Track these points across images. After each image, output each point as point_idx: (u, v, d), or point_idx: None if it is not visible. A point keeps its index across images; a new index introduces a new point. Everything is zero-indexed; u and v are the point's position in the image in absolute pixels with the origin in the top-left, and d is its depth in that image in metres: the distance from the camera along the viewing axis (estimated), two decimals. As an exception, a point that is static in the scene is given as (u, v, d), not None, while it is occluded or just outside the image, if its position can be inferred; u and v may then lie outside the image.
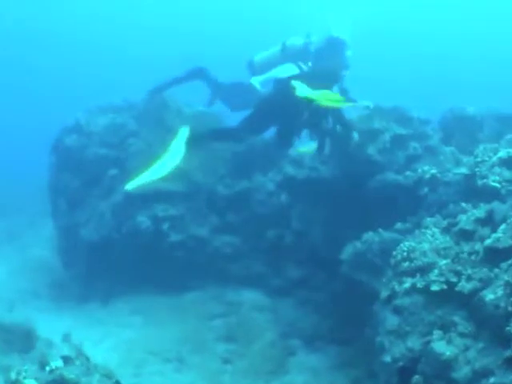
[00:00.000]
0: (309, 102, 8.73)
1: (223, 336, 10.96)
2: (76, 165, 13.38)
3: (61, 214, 13.77)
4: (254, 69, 9.86)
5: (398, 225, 9.88)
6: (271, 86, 9.56)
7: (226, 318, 11.50)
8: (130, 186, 8.65)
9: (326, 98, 8.71)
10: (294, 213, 12.09)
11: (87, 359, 7.40)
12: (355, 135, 10.32)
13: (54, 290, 13.38)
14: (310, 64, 9.60)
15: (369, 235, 9.90)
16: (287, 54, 9.67)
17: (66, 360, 6.80)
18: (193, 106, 13.78)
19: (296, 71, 9.46)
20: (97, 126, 13.54)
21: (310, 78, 9.26)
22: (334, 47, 9.72)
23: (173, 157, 8.77)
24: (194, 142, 9.07)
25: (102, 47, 43.97)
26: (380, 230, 9.82)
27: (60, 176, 13.70)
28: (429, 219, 9.02)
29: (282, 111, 9.32)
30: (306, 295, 11.78)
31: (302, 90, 8.68)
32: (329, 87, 9.31)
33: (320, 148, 9.95)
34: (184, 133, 9.03)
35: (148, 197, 12.22)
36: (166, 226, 12.22)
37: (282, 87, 9.25)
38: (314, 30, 9.96)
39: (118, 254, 12.36)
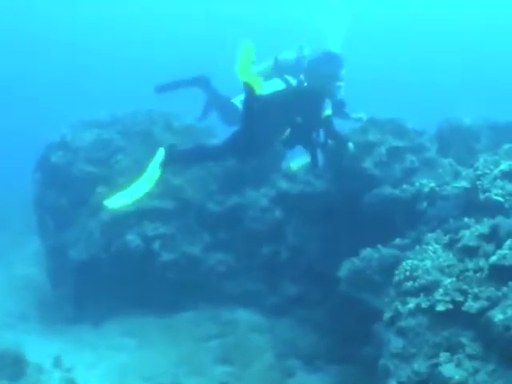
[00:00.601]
0: (249, 88, 8.44)
1: (220, 358, 10.64)
2: (62, 182, 13.10)
3: (48, 232, 13.50)
4: None
5: (397, 240, 9.65)
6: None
7: (222, 338, 11.19)
8: (109, 203, 8.62)
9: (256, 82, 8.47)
10: (289, 228, 11.91)
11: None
12: (350, 146, 10.03)
13: (43, 311, 13.04)
14: (301, 77, 9.30)
15: (367, 252, 9.64)
16: (279, 69, 9.41)
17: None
18: (182, 118, 13.47)
19: (282, 86, 9.17)
20: (83, 141, 13.28)
21: (297, 93, 9.14)
22: (330, 62, 9.43)
23: (147, 180, 8.70)
24: (171, 163, 8.96)
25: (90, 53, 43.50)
26: (379, 246, 9.55)
27: (46, 193, 13.43)
28: (429, 235, 8.80)
29: (260, 128, 9.00)
30: (303, 313, 11.53)
31: (242, 72, 8.36)
32: (319, 101, 9.23)
33: (313, 162, 9.63)
34: (160, 154, 8.85)
35: (137, 215, 11.91)
36: (156, 245, 11.93)
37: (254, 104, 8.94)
38: (307, 41, 9.69)
39: (108, 274, 12.02)
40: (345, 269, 9.88)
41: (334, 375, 10.20)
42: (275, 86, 9.18)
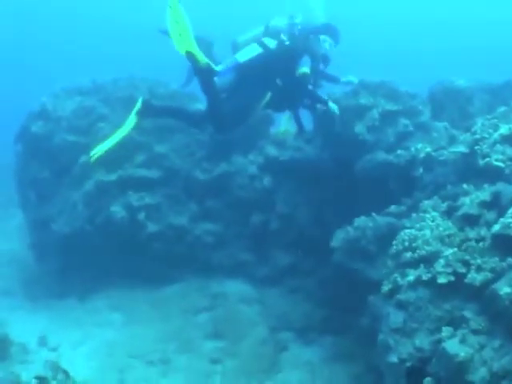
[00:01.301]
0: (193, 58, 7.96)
1: (210, 333, 10.37)
2: (44, 153, 12.67)
3: (31, 206, 13.06)
4: (238, 50, 9.25)
5: (392, 208, 9.33)
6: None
7: (211, 312, 10.92)
8: (92, 157, 8.34)
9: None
10: (279, 196, 11.59)
11: (66, 375, 6.77)
12: (333, 107, 9.62)
13: (28, 287, 12.62)
14: (283, 36, 8.93)
15: (361, 220, 9.32)
16: (270, 35, 9.03)
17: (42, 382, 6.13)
18: (166, 85, 13.05)
19: (258, 51, 8.78)
20: (64, 110, 12.80)
21: (275, 54, 8.74)
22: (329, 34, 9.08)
23: (124, 128, 8.47)
24: (148, 112, 8.65)
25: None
26: (373, 214, 9.22)
27: (28, 166, 12.97)
28: (426, 202, 8.45)
29: (240, 97, 8.73)
30: (294, 283, 11.30)
31: (180, 43, 7.87)
32: (296, 58, 8.75)
33: (298, 126, 9.30)
34: (138, 104, 8.57)
35: (122, 184, 11.66)
36: (141, 216, 11.58)
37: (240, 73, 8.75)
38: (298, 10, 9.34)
39: (93, 247, 11.70)
40: (338, 238, 9.56)
41: (329, 347, 9.92)
42: (251, 51, 8.82)
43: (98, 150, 8.33)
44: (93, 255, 11.71)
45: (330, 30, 9.05)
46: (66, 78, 14.30)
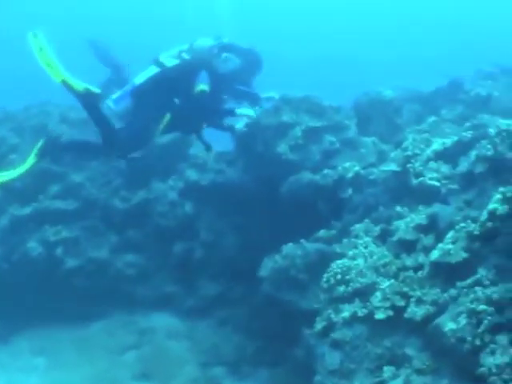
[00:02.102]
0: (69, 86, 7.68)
1: (138, 373, 9.75)
2: (-48, 189, 11.76)
3: None
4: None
5: (322, 232, 8.81)
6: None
7: (138, 349, 10.32)
8: None
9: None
10: (202, 223, 11.03)
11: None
12: (245, 113, 9.49)
13: None
14: (183, 54, 8.63)
15: (289, 248, 8.77)
16: (193, 54, 8.65)
17: None
18: (79, 110, 12.36)
19: (154, 71, 8.58)
20: (-28, 141, 11.99)
21: (171, 72, 8.55)
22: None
23: (21, 167, 8.23)
24: (50, 152, 8.41)
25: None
26: (302, 240, 8.66)
27: None
28: (358, 226, 8.00)
29: (137, 121, 8.49)
30: (223, 314, 10.75)
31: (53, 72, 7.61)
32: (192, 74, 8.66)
33: (206, 147, 9.15)
34: (39, 144, 8.27)
35: (37, 218, 11.01)
36: (59, 251, 10.88)
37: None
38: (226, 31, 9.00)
39: (12, 285, 10.92)
40: (266, 268, 9.01)
41: (264, 381, 9.49)
42: (147, 73, 8.58)
43: None
44: (12, 294, 10.92)
45: (248, 54, 8.90)
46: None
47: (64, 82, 7.56)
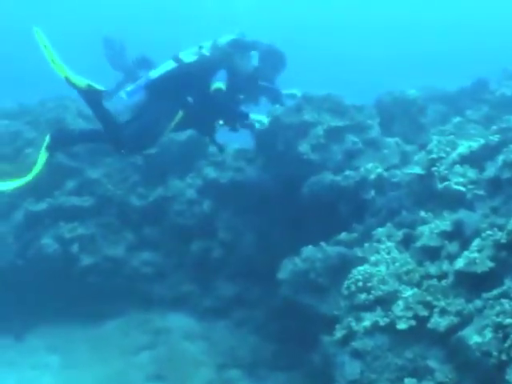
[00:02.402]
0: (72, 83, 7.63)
1: (152, 375, 9.58)
2: (-32, 182, 11.65)
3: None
4: None
5: (343, 235, 8.60)
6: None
7: (153, 350, 10.15)
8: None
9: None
10: (220, 222, 10.86)
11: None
12: (259, 121, 9.22)
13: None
14: (203, 50, 8.50)
15: (309, 250, 8.57)
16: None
17: None
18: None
19: (171, 66, 8.38)
20: (-12, 135, 11.85)
21: (189, 68, 8.37)
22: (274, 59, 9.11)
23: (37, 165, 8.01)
24: (59, 145, 8.23)
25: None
26: (322, 243, 8.45)
27: (-48, 197, 11.98)
28: (380, 230, 7.75)
29: (148, 116, 8.30)
30: (241, 315, 10.62)
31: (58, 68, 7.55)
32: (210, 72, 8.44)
33: (218, 149, 9.02)
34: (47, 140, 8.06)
35: (53, 214, 10.86)
36: (75, 248, 10.73)
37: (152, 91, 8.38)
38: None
39: (27, 282, 10.79)
40: (286, 270, 8.81)
41: (281, 385, 9.23)
42: (164, 67, 8.42)
43: (11, 187, 8.02)
44: (28, 290, 10.83)
45: (271, 52, 8.86)
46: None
47: (67, 79, 7.48)
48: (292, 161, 9.53)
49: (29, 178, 7.88)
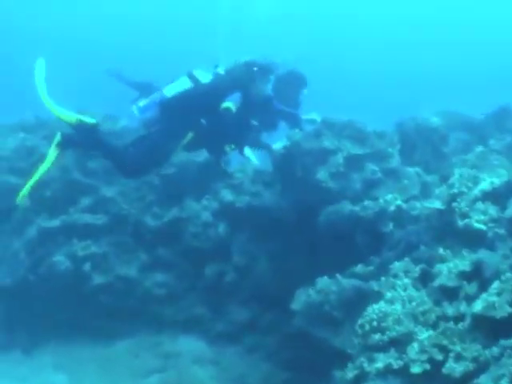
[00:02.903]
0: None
1: (161, 398, 9.44)
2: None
3: (-32, 254, 12.01)
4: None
5: (359, 267, 8.42)
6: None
7: (163, 373, 10.06)
8: (20, 199, 8.23)
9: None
10: (235, 246, 10.72)
11: None
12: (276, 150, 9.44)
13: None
14: (219, 70, 8.49)
15: (324, 282, 8.40)
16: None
17: None
18: (115, 119, 12.13)
19: (187, 85, 8.29)
20: (5, 149, 11.79)
21: (204, 88, 8.32)
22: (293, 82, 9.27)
23: (45, 163, 8.02)
24: (69, 143, 8.11)
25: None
26: (337, 275, 8.27)
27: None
28: (397, 264, 7.54)
29: (157, 136, 8.27)
30: (253, 341, 10.49)
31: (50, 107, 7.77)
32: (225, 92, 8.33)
33: (222, 172, 9.51)
34: (57, 137, 8.06)
35: (66, 231, 10.80)
36: (87, 267, 10.66)
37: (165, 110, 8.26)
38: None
39: (38, 298, 10.80)
40: (299, 301, 8.66)
41: (292, 417, 9.11)
42: (180, 85, 8.35)
43: (25, 190, 8.01)
44: (38, 306, 10.84)
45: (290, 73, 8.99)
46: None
47: (58, 118, 7.68)
48: (310, 188, 9.36)
49: (36, 177, 7.88)
